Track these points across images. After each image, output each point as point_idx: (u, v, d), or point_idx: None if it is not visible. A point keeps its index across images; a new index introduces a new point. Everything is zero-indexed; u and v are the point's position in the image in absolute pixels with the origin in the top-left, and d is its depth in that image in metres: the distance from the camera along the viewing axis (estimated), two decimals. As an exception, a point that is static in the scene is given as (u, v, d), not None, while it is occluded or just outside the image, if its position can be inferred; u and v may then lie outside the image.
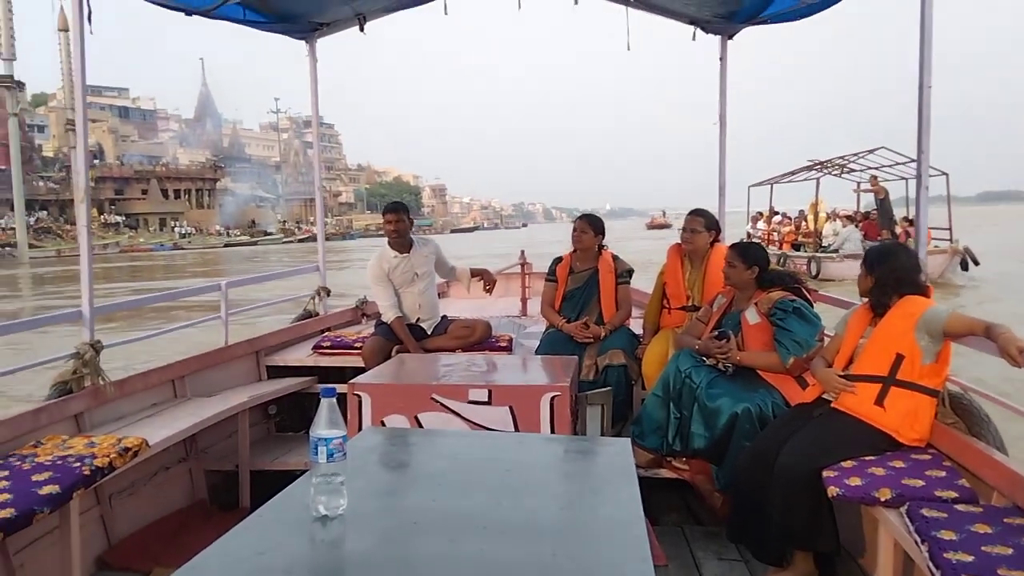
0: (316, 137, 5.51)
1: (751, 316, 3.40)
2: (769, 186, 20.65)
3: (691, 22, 4.79)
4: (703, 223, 4.12)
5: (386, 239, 4.66)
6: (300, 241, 69.43)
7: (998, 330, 2.53)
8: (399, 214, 4.59)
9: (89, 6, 3.25)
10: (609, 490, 1.83)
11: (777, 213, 22.71)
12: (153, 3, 3.70)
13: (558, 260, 4.54)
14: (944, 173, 17.24)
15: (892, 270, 2.89)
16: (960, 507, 2.33)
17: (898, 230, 17.28)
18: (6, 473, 2.69)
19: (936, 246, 15.63)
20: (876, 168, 18.10)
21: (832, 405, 2.93)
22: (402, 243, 4.60)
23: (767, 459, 2.83)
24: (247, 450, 4.07)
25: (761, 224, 22.31)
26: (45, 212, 60.41)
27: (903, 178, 17.96)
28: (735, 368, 3.36)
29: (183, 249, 58.71)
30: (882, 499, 2.44)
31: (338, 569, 1.49)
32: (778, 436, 2.90)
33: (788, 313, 3.27)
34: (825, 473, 2.63)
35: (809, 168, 19.35)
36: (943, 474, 2.53)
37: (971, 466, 2.59)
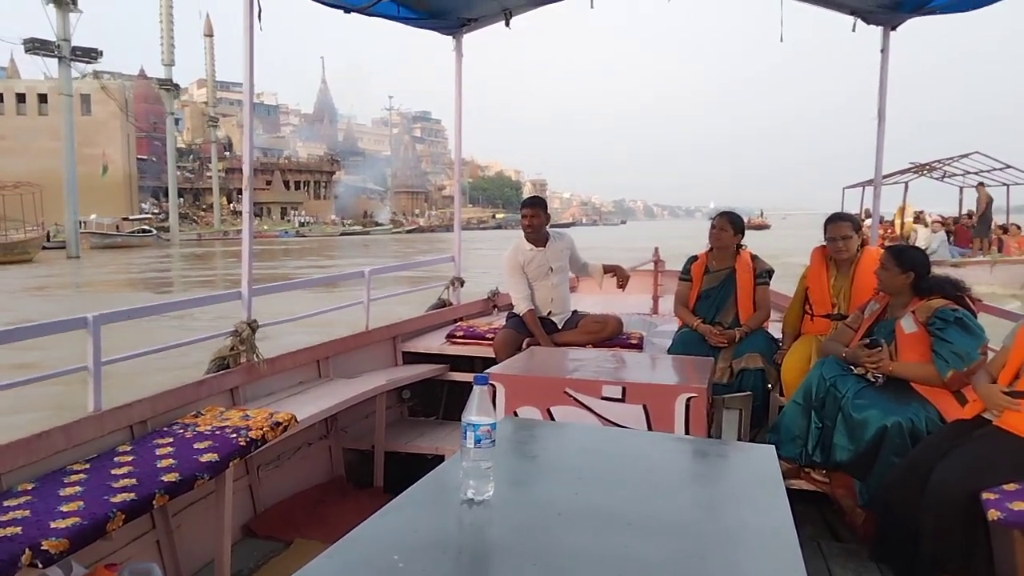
0: (458, 133, 5.58)
1: (907, 325, 3.20)
2: (862, 188, 19.77)
3: (852, 12, 4.52)
4: (851, 227, 3.90)
5: (522, 233, 4.72)
6: (408, 232, 74.12)
7: None
8: (536, 209, 4.63)
9: (260, 5, 3.45)
10: (756, 498, 1.78)
11: (871, 216, 21.52)
12: (314, 0, 3.90)
13: (693, 259, 4.44)
14: None
15: None
16: None
17: (1008, 239, 16.66)
18: (171, 440, 2.91)
19: None
20: (976, 173, 17.50)
21: (994, 423, 2.73)
22: (538, 237, 4.64)
23: (920, 477, 2.67)
24: (383, 431, 4.22)
25: None
26: (181, 199, 64.97)
27: (1004, 184, 17.44)
28: (886, 379, 3.18)
29: (304, 236, 63.57)
30: None
31: (487, 553, 1.52)
32: (933, 453, 2.73)
33: (949, 323, 3.05)
34: (985, 495, 2.47)
35: (906, 171, 18.49)
36: (1123, 505, 2.31)
37: None
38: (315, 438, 4.08)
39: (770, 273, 4.30)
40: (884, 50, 4.68)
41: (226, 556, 2.91)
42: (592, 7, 4.32)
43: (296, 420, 3.23)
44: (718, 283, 4.30)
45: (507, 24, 4.84)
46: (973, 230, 16.91)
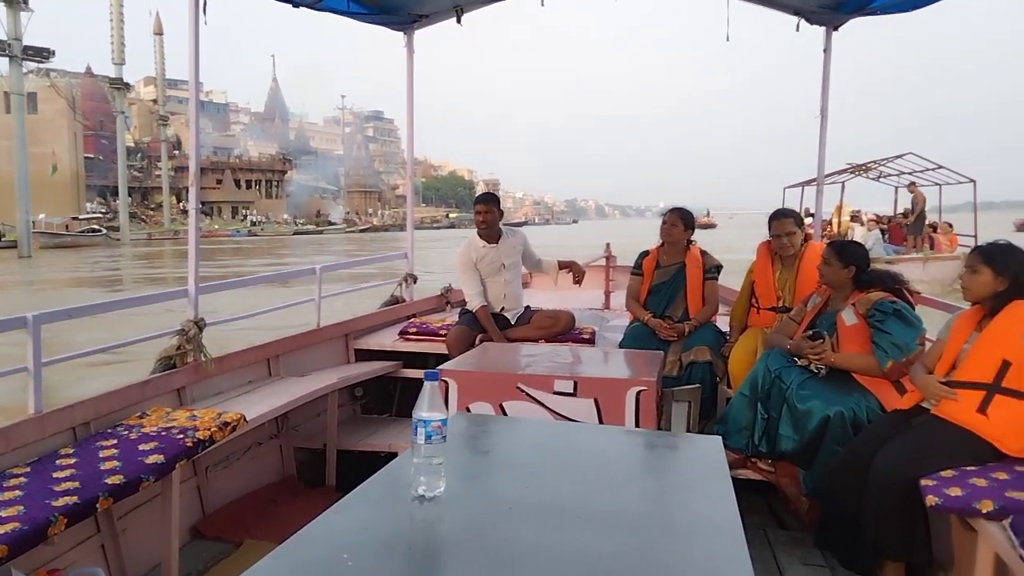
0: (410, 131, 5.54)
1: (848, 317, 3.30)
2: (801, 188, 20.51)
3: (795, 12, 4.62)
4: (794, 223, 4.00)
5: (475, 230, 4.72)
6: (361, 231, 74.43)
7: None
8: (489, 205, 4.64)
9: None
10: (703, 488, 1.82)
11: (811, 215, 22.25)
12: None
13: (644, 254, 4.50)
14: (972, 180, 17.85)
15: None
16: (1068, 523, 2.22)
17: (939, 236, 17.46)
18: (115, 442, 2.85)
19: (963, 253, 16.09)
20: (909, 173, 18.25)
21: (932, 412, 2.82)
22: (491, 233, 4.64)
23: (861, 465, 2.75)
24: (335, 430, 4.19)
25: None
26: (129, 198, 64.05)
27: (936, 184, 18.23)
28: (828, 370, 3.27)
29: (257, 235, 63.76)
30: (984, 511, 2.34)
31: (438, 549, 1.52)
32: (873, 442, 2.81)
33: (888, 315, 3.15)
34: (923, 482, 2.55)
35: (843, 172, 19.23)
36: (1052, 488, 2.41)
37: None
38: (265, 438, 4.03)
39: (719, 268, 4.38)
40: (827, 50, 4.79)
41: (173, 559, 2.87)
42: (543, 5, 4.36)
43: (245, 419, 3.18)
44: (668, 278, 4.36)
45: (459, 21, 4.83)
46: (908, 228, 17.52)
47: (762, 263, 4.11)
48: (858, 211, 20.00)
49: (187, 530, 3.41)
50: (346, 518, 1.59)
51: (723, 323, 4.40)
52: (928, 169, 17.78)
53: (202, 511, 3.58)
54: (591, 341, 4.54)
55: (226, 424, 3.07)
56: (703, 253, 4.38)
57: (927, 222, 17.81)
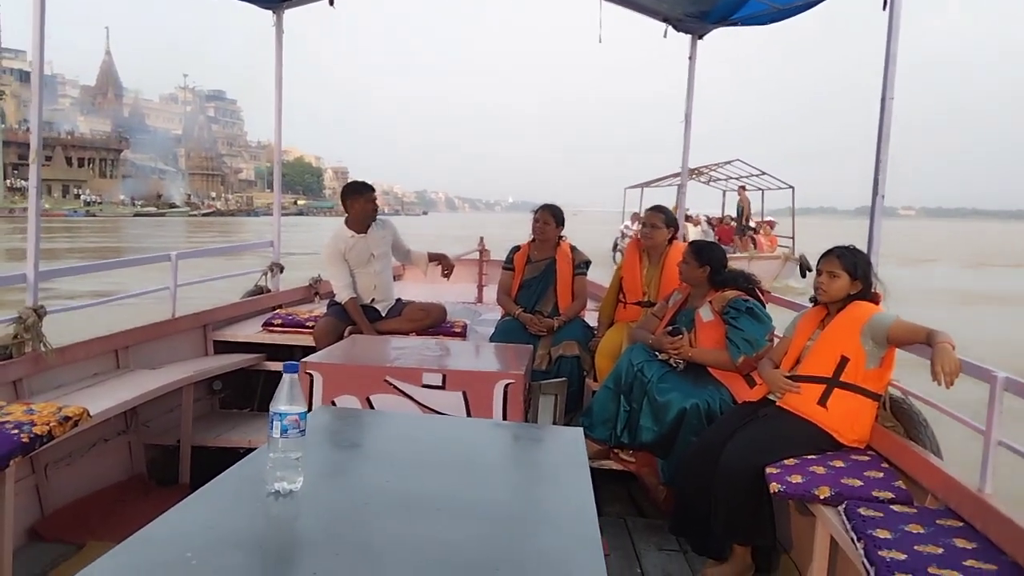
0: (278, 115, 5.35)
1: (705, 314, 3.47)
2: (641, 189, 21.48)
3: (664, 19, 4.84)
4: (663, 219, 4.16)
5: (343, 220, 4.60)
6: (205, 215, 73.56)
7: (937, 339, 2.54)
8: (368, 194, 4.55)
9: None
10: (562, 478, 1.85)
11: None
12: None
13: (516, 248, 4.55)
14: (790, 187, 19.00)
15: (870, 268, 2.95)
16: (896, 507, 2.41)
17: (760, 237, 18.71)
18: None
19: (783, 253, 17.75)
20: (736, 178, 19.43)
21: (777, 404, 2.99)
22: (362, 223, 4.54)
23: (712, 455, 2.88)
24: (189, 425, 4.00)
25: (631, 223, 22.96)
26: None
27: (760, 189, 19.44)
28: (686, 364, 3.42)
29: (94, 216, 61.00)
30: (821, 497, 2.51)
31: (289, 547, 1.47)
32: (723, 433, 2.96)
33: (741, 312, 3.34)
34: (768, 470, 2.70)
35: (678, 175, 20.30)
36: (881, 475, 2.61)
37: (908, 468, 2.68)
38: (112, 434, 3.79)
39: (588, 264, 4.49)
40: (692, 57, 5.02)
41: (7, 562, 2.65)
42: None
43: (89, 414, 2.98)
44: (539, 273, 4.42)
45: (331, 2, 4.71)
46: (740, 229, 18.60)
47: (630, 259, 4.25)
48: (688, 213, 21.09)
49: (23, 532, 3.16)
50: (194, 515, 1.51)
51: (592, 318, 4.51)
52: (753, 175, 18.91)
53: (41, 511, 3.33)
54: (462, 335, 4.53)
55: (67, 419, 2.86)
56: (573, 249, 4.47)
57: (751, 224, 18.99)
